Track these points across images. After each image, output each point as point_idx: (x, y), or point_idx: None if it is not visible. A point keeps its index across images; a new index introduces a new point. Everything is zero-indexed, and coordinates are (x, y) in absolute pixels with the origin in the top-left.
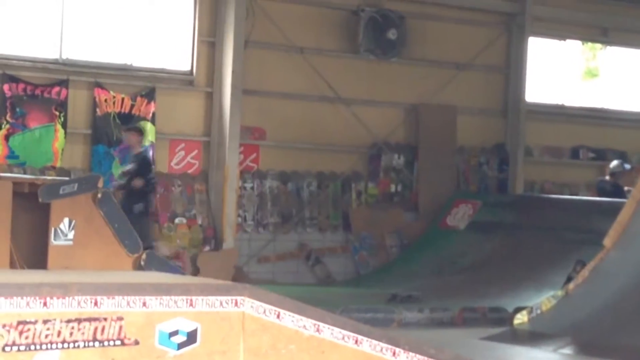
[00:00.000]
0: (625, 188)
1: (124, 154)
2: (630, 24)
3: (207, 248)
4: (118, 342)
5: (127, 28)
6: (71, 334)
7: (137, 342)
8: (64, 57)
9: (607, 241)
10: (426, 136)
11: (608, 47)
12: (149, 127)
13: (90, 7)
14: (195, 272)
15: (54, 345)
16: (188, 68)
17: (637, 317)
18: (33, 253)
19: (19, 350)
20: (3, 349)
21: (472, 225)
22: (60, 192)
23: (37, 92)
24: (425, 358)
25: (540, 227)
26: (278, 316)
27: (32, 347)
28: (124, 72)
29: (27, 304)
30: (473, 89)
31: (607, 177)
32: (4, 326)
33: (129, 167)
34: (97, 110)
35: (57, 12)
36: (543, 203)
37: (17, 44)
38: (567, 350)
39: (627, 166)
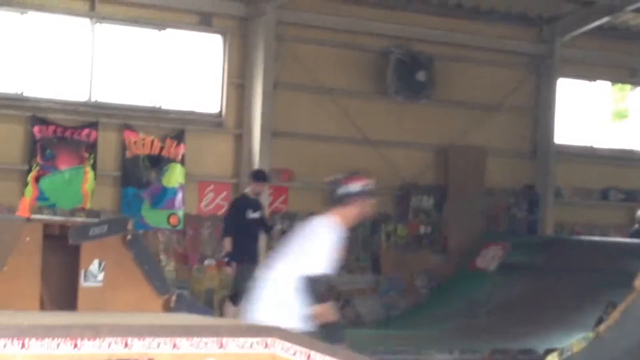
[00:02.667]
0: None
1: (153, 196)
2: None
3: None
4: None
5: (157, 70)
6: None
7: None
8: (93, 99)
9: (638, 283)
10: (455, 178)
11: (638, 88)
12: (178, 168)
13: (119, 49)
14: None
15: None
16: (217, 110)
17: None
18: (63, 295)
19: None
20: None
21: (502, 266)
22: (90, 234)
23: (67, 134)
24: None
25: (570, 268)
26: (308, 358)
27: None
28: (153, 115)
29: (58, 345)
30: (502, 130)
31: (637, 226)
32: None
33: (256, 214)
34: (127, 152)
35: (87, 54)
36: (573, 245)
37: (47, 87)
38: None
39: None
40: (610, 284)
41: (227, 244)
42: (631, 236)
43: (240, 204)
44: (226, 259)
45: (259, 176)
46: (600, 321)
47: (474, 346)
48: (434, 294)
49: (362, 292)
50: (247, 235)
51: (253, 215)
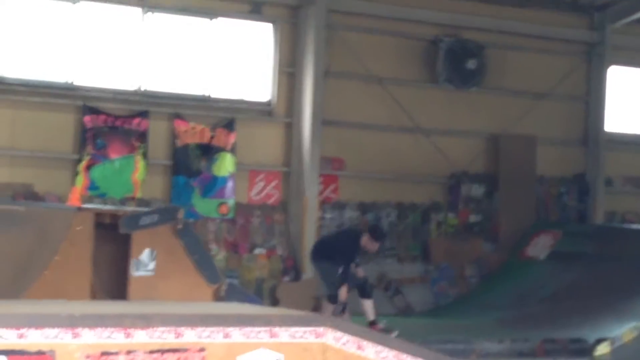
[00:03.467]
0: None
1: (203, 185)
2: None
3: (286, 278)
4: None
5: (207, 59)
6: None
7: None
8: (143, 88)
9: None
10: (506, 166)
11: None
12: (228, 157)
13: (170, 39)
14: (275, 302)
15: None
16: (267, 99)
17: None
18: (114, 284)
19: None
20: None
21: (553, 255)
22: (141, 223)
23: (118, 123)
24: None
25: (621, 257)
26: (359, 347)
27: None
28: (203, 104)
29: (110, 335)
30: (552, 118)
31: None
32: (87, 357)
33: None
34: (177, 141)
35: (138, 44)
36: (624, 233)
37: (98, 76)
38: None
39: None
40: None
41: (344, 294)
42: None
43: (358, 246)
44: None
45: (378, 236)
46: None
47: (524, 335)
48: (484, 283)
49: (412, 281)
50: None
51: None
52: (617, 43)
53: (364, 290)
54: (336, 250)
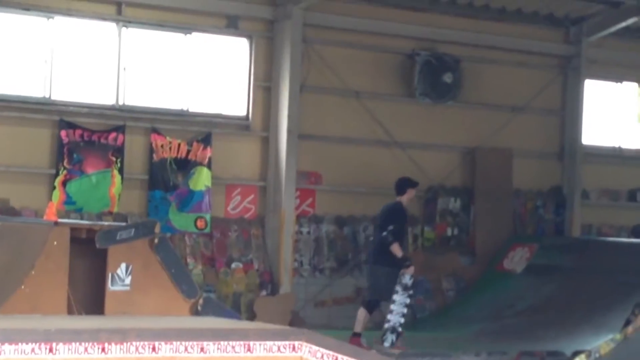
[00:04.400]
0: None
1: (180, 199)
2: None
3: (263, 293)
4: None
5: (183, 74)
6: None
7: None
8: (120, 103)
9: None
10: (482, 179)
11: None
12: (205, 172)
13: (146, 53)
14: (252, 316)
15: None
16: (244, 113)
17: None
18: (90, 298)
19: None
20: None
21: (529, 268)
22: (118, 237)
23: (94, 137)
24: None
25: (597, 270)
26: None
27: None
28: (180, 118)
29: (86, 349)
30: (529, 132)
31: None
32: None
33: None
34: (154, 155)
35: (114, 58)
36: (600, 246)
37: (74, 91)
38: None
39: None
40: (638, 285)
41: (398, 249)
42: (635, 230)
43: (405, 213)
44: (407, 262)
45: (415, 182)
46: (628, 323)
47: (501, 348)
48: (461, 296)
49: None
50: (404, 243)
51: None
52: (592, 56)
53: (370, 302)
54: (396, 233)
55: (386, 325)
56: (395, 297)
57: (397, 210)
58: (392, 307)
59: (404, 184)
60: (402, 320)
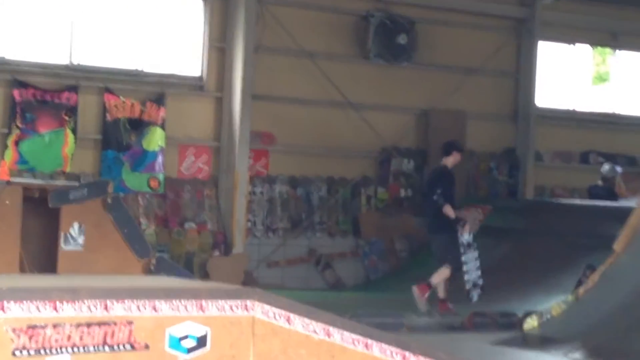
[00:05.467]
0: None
1: (133, 159)
2: (639, 28)
3: (216, 253)
4: (128, 347)
5: (137, 34)
6: (81, 338)
7: (147, 347)
8: (74, 62)
9: (617, 245)
10: (436, 141)
11: (618, 52)
12: (158, 132)
13: (100, 12)
14: (205, 277)
15: (63, 350)
16: (198, 73)
17: None
18: (43, 258)
19: (28, 354)
20: (13, 354)
21: (482, 230)
22: (70, 197)
23: (47, 97)
24: None
25: (550, 232)
26: (288, 320)
27: (42, 351)
28: (134, 78)
29: (37, 308)
30: (483, 94)
31: (600, 183)
32: (14, 330)
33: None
34: (107, 115)
35: (68, 17)
36: (553, 208)
37: (27, 50)
38: (577, 355)
39: (619, 169)
40: (590, 246)
41: (450, 210)
42: (591, 191)
43: (451, 175)
44: (462, 222)
45: (461, 146)
46: (579, 284)
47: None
48: (414, 257)
49: (343, 256)
50: (454, 204)
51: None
52: (546, 19)
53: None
54: (447, 195)
55: (467, 286)
56: (463, 257)
57: (443, 173)
58: (465, 267)
59: (449, 146)
60: (479, 272)
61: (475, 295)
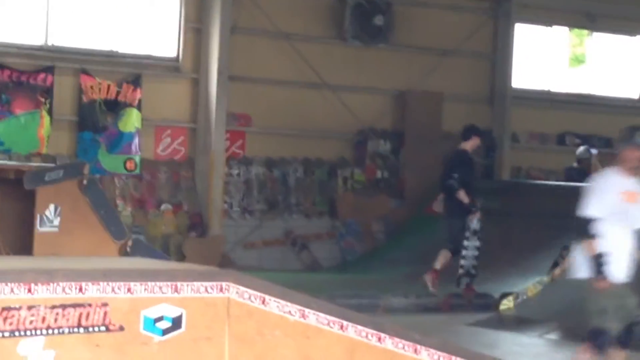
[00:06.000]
0: None
1: (110, 141)
2: (616, 10)
3: (193, 234)
4: (103, 328)
5: (113, 14)
6: (56, 320)
7: (122, 328)
8: (49, 43)
9: None
10: (412, 122)
11: (594, 34)
12: (134, 113)
13: None
14: (182, 258)
15: (38, 332)
16: (174, 54)
17: None
18: (19, 240)
19: (3, 336)
20: None
21: None
22: (46, 178)
23: (23, 78)
24: (411, 343)
25: (526, 213)
26: (263, 302)
27: (17, 333)
28: (110, 59)
29: (12, 290)
30: (459, 75)
31: (575, 164)
32: None
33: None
34: (83, 97)
35: None
36: (529, 189)
37: (2, 31)
38: (553, 336)
39: (594, 151)
40: (566, 228)
41: (464, 195)
42: (566, 173)
43: (470, 159)
44: (474, 208)
45: (481, 131)
46: (555, 265)
47: (430, 290)
48: (390, 238)
49: (319, 237)
50: (471, 189)
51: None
52: (523, 0)
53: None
54: (461, 179)
55: (460, 271)
56: (465, 242)
57: (460, 157)
58: (464, 252)
59: (469, 131)
60: (475, 262)
61: (464, 282)
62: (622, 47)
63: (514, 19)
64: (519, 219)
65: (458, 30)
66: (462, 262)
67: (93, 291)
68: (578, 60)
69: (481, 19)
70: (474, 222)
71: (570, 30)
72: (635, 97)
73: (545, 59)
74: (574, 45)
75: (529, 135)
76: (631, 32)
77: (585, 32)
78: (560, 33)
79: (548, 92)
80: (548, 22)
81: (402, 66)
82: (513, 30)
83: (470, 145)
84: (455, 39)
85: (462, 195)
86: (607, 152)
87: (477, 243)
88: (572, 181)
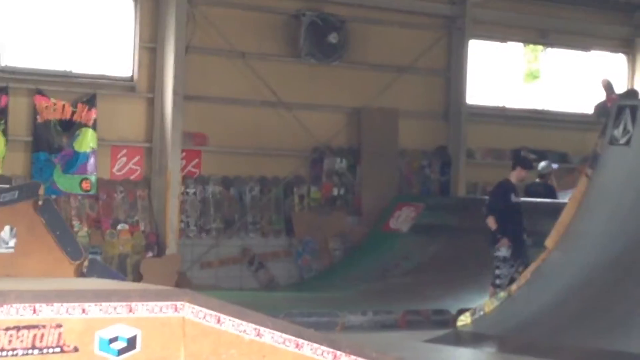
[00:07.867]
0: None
1: (65, 161)
2: (569, 26)
3: (149, 254)
4: (57, 349)
5: (67, 34)
6: (10, 342)
7: (76, 349)
8: (3, 64)
9: (549, 242)
10: (368, 140)
11: (549, 49)
12: (90, 133)
13: (29, 13)
14: (139, 278)
15: None
16: (129, 74)
17: (579, 317)
18: None
19: None
20: None
21: (415, 228)
22: (0, 199)
23: None
24: None
25: (482, 229)
26: (218, 321)
27: None
28: (64, 79)
29: None
30: (414, 92)
31: (537, 180)
32: None
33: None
34: (38, 117)
35: None
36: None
37: None
38: (510, 352)
39: (555, 166)
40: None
41: (492, 222)
42: (529, 189)
43: (507, 188)
44: (498, 236)
45: (528, 164)
46: (512, 281)
47: (388, 307)
48: (347, 256)
49: (276, 255)
50: (511, 218)
51: (516, 199)
52: (477, 16)
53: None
54: (491, 206)
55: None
56: (497, 272)
57: (498, 186)
58: (498, 281)
59: (515, 161)
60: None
61: None
62: (577, 63)
63: (468, 35)
64: (476, 235)
65: (413, 47)
66: (498, 290)
67: (47, 312)
68: (533, 75)
69: (435, 36)
70: (502, 250)
71: (524, 45)
72: (590, 112)
73: (500, 75)
74: (529, 60)
75: (484, 151)
76: (585, 47)
77: (539, 47)
78: (514, 49)
79: (503, 108)
80: (502, 38)
81: (357, 83)
82: (467, 46)
83: (514, 175)
84: (410, 56)
85: (490, 222)
86: (564, 166)
87: (512, 270)
88: (538, 197)
